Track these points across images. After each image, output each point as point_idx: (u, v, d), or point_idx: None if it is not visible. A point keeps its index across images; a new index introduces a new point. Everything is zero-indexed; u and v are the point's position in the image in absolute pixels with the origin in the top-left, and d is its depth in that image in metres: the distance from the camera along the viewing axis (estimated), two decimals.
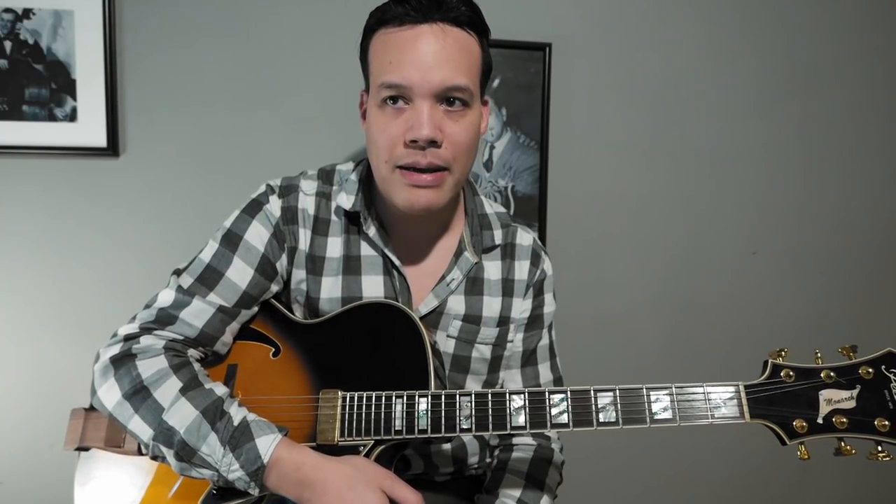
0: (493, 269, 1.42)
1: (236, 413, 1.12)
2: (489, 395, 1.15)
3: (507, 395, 1.15)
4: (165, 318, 1.21)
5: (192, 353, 1.24)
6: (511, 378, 1.48)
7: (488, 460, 1.50)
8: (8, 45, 1.71)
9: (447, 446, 1.43)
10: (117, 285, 1.85)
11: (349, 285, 1.33)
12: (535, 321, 1.46)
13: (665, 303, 2.23)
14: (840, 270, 2.35)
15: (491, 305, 1.40)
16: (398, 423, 1.16)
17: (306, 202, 1.34)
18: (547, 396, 1.14)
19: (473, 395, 1.15)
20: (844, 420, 1.04)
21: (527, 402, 1.14)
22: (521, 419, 1.13)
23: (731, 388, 1.09)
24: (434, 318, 1.37)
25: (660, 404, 1.10)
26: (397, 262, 1.34)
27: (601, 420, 1.11)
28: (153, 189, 1.85)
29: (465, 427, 1.14)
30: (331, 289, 1.33)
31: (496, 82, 1.98)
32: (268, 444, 1.08)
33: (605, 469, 2.25)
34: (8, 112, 1.73)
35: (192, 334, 1.22)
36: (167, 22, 1.81)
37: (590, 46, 2.07)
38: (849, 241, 2.34)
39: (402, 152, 1.19)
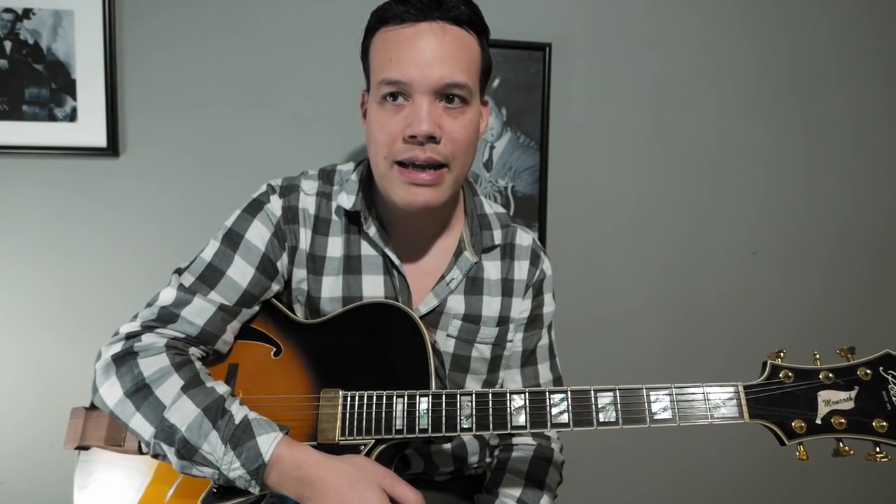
0: (492, 269, 1.42)
1: (237, 411, 1.12)
2: (490, 395, 1.15)
3: (508, 394, 1.15)
4: (167, 317, 1.21)
5: (194, 351, 1.24)
6: (511, 378, 1.48)
7: (488, 460, 1.51)
8: (8, 45, 1.72)
9: (447, 446, 1.43)
10: (117, 285, 1.85)
11: (349, 285, 1.34)
12: (534, 321, 1.47)
13: (665, 303, 2.23)
14: (840, 271, 2.35)
15: (490, 305, 1.40)
16: (399, 423, 1.16)
17: (307, 202, 1.35)
18: (547, 396, 1.14)
19: (474, 395, 1.15)
20: (843, 421, 1.04)
21: (527, 401, 1.14)
22: (521, 419, 1.14)
23: (731, 389, 1.09)
24: (434, 317, 1.37)
25: (659, 404, 1.10)
26: (397, 262, 1.34)
27: (601, 420, 1.11)
28: (153, 189, 1.85)
29: (465, 427, 1.14)
30: (331, 288, 1.34)
31: (496, 82, 1.98)
32: (269, 442, 1.09)
33: (604, 469, 2.25)
34: (8, 112, 1.73)
35: (193, 332, 1.22)
36: (167, 22, 1.81)
37: (590, 46, 2.07)
38: (849, 241, 2.34)
39: (401, 147, 1.20)
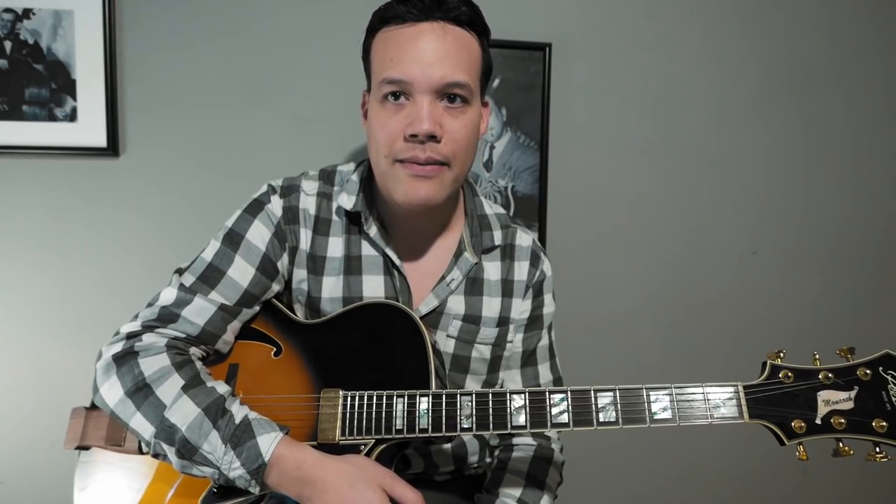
0: (492, 269, 1.42)
1: (238, 411, 1.12)
2: (490, 395, 1.15)
3: (508, 394, 1.15)
4: (167, 316, 1.22)
5: (194, 351, 1.24)
6: (511, 378, 1.48)
7: (488, 459, 1.51)
8: (8, 45, 1.72)
9: (447, 446, 1.43)
10: (117, 285, 1.85)
11: (350, 285, 1.34)
12: (534, 322, 1.47)
13: (665, 303, 2.24)
14: (840, 271, 2.35)
15: (490, 306, 1.40)
16: (399, 423, 1.16)
17: (307, 202, 1.35)
18: (547, 396, 1.14)
19: (474, 395, 1.16)
20: (842, 421, 1.04)
21: (527, 401, 1.14)
22: (521, 419, 1.14)
23: (731, 389, 1.09)
24: (434, 317, 1.37)
25: (659, 404, 1.10)
26: (398, 262, 1.34)
27: (601, 420, 1.11)
28: (153, 189, 1.85)
29: (465, 426, 1.14)
30: (332, 288, 1.34)
31: (496, 82, 1.98)
32: (269, 442, 1.09)
33: (604, 469, 2.25)
34: (8, 112, 1.73)
35: (193, 332, 1.22)
36: (167, 22, 1.81)
37: (590, 46, 2.07)
38: (849, 241, 2.34)
39: (402, 146, 1.20)
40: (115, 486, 1.24)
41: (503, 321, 1.42)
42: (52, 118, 1.75)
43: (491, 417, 1.14)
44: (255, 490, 1.10)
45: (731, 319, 2.29)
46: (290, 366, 1.27)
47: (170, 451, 1.10)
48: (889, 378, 1.05)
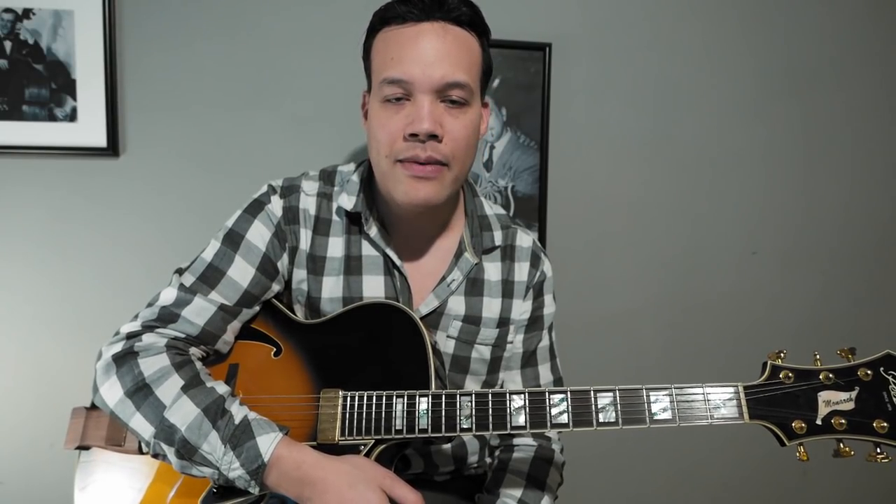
0: (493, 270, 1.42)
1: (237, 412, 1.12)
2: (489, 395, 1.15)
3: (508, 395, 1.15)
4: (167, 316, 1.22)
5: (194, 351, 1.24)
6: (511, 379, 1.48)
7: (488, 459, 1.51)
8: (8, 45, 1.72)
9: (447, 446, 1.43)
10: (117, 285, 1.85)
11: (350, 285, 1.34)
12: (535, 322, 1.47)
13: (665, 303, 2.23)
14: (840, 271, 2.35)
15: (491, 306, 1.40)
16: (399, 423, 1.16)
17: (307, 202, 1.35)
18: (547, 397, 1.14)
19: (474, 395, 1.15)
20: (843, 421, 1.04)
21: (527, 402, 1.14)
22: (521, 419, 1.14)
23: (731, 389, 1.09)
24: (434, 318, 1.37)
25: (659, 405, 1.10)
26: (398, 262, 1.34)
27: (601, 420, 1.11)
28: (153, 189, 1.85)
29: (465, 427, 1.14)
30: (332, 289, 1.34)
31: (496, 82, 1.98)
32: (268, 442, 1.09)
33: (604, 469, 2.25)
34: (8, 112, 1.73)
35: (193, 332, 1.22)
36: (167, 22, 1.81)
37: (590, 46, 2.07)
38: (849, 241, 2.34)
39: (403, 146, 1.20)
40: (115, 486, 1.24)
41: (503, 322, 1.42)
42: (52, 118, 1.75)
43: (490, 418, 1.14)
44: (255, 490, 1.10)
45: (731, 319, 2.29)
46: (289, 366, 1.27)
47: (169, 452, 1.10)
48: (890, 378, 1.05)
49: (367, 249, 1.35)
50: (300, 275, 1.34)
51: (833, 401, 1.05)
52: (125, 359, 1.16)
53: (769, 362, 1.11)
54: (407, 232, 1.37)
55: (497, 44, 1.88)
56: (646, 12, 2.10)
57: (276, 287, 1.33)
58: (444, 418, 1.15)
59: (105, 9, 1.74)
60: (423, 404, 1.16)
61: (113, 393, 1.14)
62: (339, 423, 1.18)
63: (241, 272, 1.27)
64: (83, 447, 1.27)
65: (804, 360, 1.11)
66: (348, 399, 1.19)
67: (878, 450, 1.04)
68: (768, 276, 2.30)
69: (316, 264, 1.34)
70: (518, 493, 1.36)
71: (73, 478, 1.26)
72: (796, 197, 2.28)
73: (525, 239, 1.47)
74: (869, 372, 1.06)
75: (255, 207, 1.33)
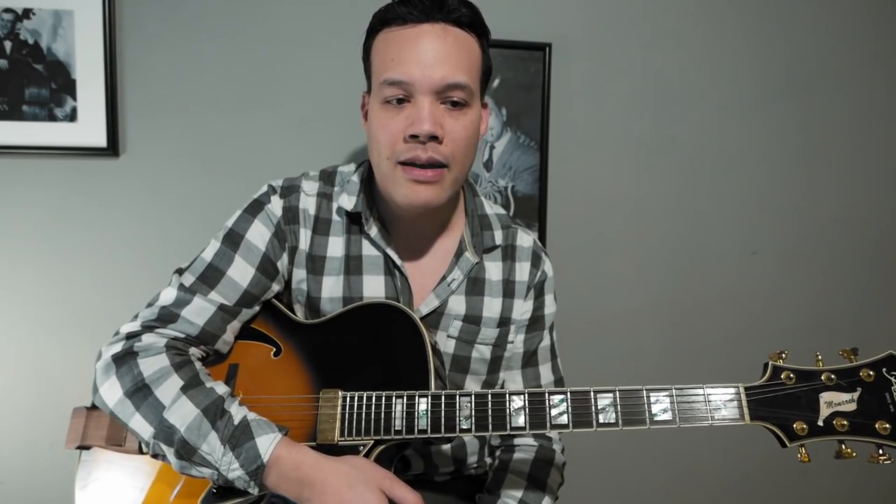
0: (494, 269, 1.42)
1: (237, 412, 1.12)
2: (489, 396, 1.15)
3: (507, 395, 1.15)
4: (167, 317, 1.22)
5: (194, 351, 1.24)
6: (512, 379, 1.48)
7: (487, 459, 1.51)
8: (8, 45, 1.71)
9: (447, 446, 1.43)
10: (117, 285, 1.85)
11: (350, 285, 1.34)
12: (535, 322, 1.47)
13: (665, 303, 2.23)
14: (840, 271, 2.35)
15: (491, 306, 1.40)
16: (398, 424, 1.16)
17: (307, 202, 1.35)
18: (547, 397, 1.14)
19: (473, 396, 1.15)
20: (845, 423, 1.04)
21: (526, 402, 1.14)
22: (520, 420, 1.13)
23: (732, 390, 1.09)
24: (435, 318, 1.37)
25: (660, 406, 1.10)
26: (399, 262, 1.34)
27: (601, 421, 1.11)
28: (153, 189, 1.85)
29: (464, 427, 1.14)
30: (332, 288, 1.34)
31: (496, 82, 1.98)
32: (268, 443, 1.09)
33: (604, 470, 2.25)
34: (8, 112, 1.73)
35: (193, 332, 1.22)
36: (167, 22, 1.81)
37: (590, 46, 2.07)
38: (849, 241, 2.34)
39: (403, 147, 1.21)
40: (118, 485, 1.25)
41: (504, 322, 1.42)
42: (52, 118, 1.74)
43: (490, 418, 1.14)
44: (254, 491, 1.10)
45: (731, 319, 2.29)
46: (289, 366, 1.27)
47: (169, 452, 1.10)
48: (892, 380, 1.05)
49: (367, 249, 1.35)
50: (300, 275, 1.34)
51: (835, 402, 1.05)
52: (125, 359, 1.16)
53: (770, 363, 1.10)
54: (407, 232, 1.37)
55: (497, 44, 1.88)
56: (646, 12, 2.10)
57: (275, 287, 1.33)
58: (443, 419, 1.15)
59: (105, 9, 1.74)
60: (423, 405, 1.16)
61: (112, 393, 1.14)
62: (338, 424, 1.18)
63: (241, 272, 1.27)
64: (84, 447, 1.27)
65: (804, 360, 1.10)
66: (348, 399, 1.19)
67: (881, 451, 1.04)
68: (768, 276, 2.29)
69: (315, 264, 1.34)
70: (519, 493, 1.36)
71: (74, 477, 1.26)
72: (796, 197, 2.28)
73: (526, 239, 1.47)
74: (871, 373, 1.05)
75: (255, 207, 1.33)
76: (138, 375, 1.14)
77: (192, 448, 1.08)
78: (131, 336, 1.19)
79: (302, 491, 1.08)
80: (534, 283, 1.45)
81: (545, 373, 1.49)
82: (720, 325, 2.28)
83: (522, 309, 1.44)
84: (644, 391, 1.11)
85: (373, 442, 1.17)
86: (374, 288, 1.34)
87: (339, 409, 1.19)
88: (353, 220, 1.36)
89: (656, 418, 1.09)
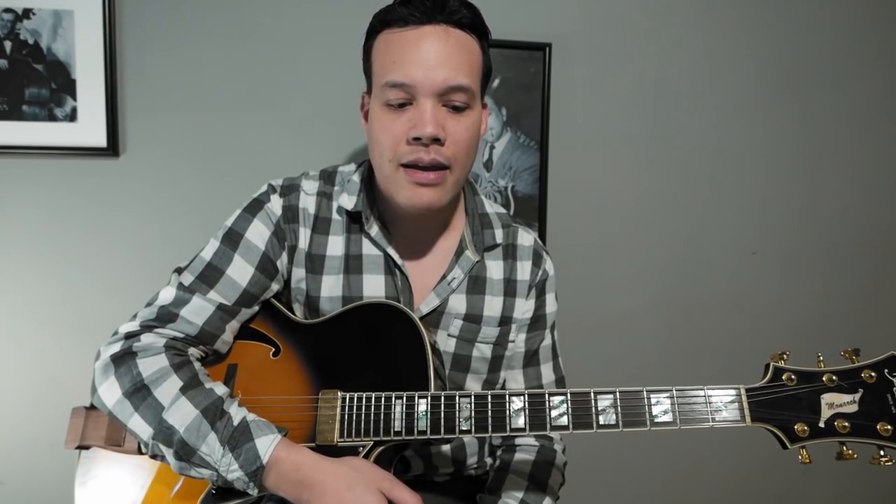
0: (495, 268, 1.42)
1: (236, 413, 1.12)
2: (489, 397, 1.15)
3: (507, 396, 1.14)
4: (166, 316, 1.21)
5: (193, 351, 1.24)
6: (513, 378, 1.48)
7: (488, 460, 1.51)
8: (8, 45, 1.71)
9: (446, 447, 1.43)
10: (117, 285, 1.85)
11: (350, 284, 1.34)
12: (537, 322, 1.47)
13: (665, 303, 2.23)
14: (840, 271, 2.34)
15: (492, 305, 1.40)
16: (398, 424, 1.16)
17: (307, 201, 1.35)
18: (547, 398, 1.13)
19: (473, 397, 1.15)
20: (846, 424, 1.03)
21: (526, 403, 1.14)
22: (520, 421, 1.13)
23: (733, 392, 1.08)
24: (435, 317, 1.37)
25: (660, 407, 1.09)
26: (399, 261, 1.34)
27: (601, 422, 1.11)
28: (153, 189, 1.84)
29: (464, 429, 1.14)
30: (331, 288, 1.34)
31: (496, 82, 1.98)
32: (267, 444, 1.08)
33: (605, 470, 2.25)
34: (8, 112, 1.72)
35: (192, 332, 1.22)
36: (167, 22, 1.81)
37: (590, 46, 2.07)
38: (849, 241, 2.34)
39: (406, 150, 1.20)
40: (118, 482, 1.25)
41: (505, 321, 1.42)
42: (52, 118, 1.74)
43: (490, 420, 1.14)
44: (254, 492, 1.10)
45: (731, 319, 2.29)
46: (288, 366, 1.27)
47: (168, 453, 1.10)
48: (894, 380, 1.04)
49: (367, 248, 1.35)
50: (299, 274, 1.34)
51: (836, 403, 1.05)
52: (123, 359, 1.16)
53: (771, 364, 1.10)
54: (408, 231, 1.37)
55: (497, 44, 1.87)
56: (646, 12, 2.10)
57: (275, 286, 1.33)
58: (443, 420, 1.15)
59: (105, 9, 1.74)
60: (423, 406, 1.16)
61: (111, 393, 1.14)
62: (337, 425, 1.17)
63: (241, 271, 1.27)
64: (83, 447, 1.27)
65: (804, 360, 1.10)
66: (347, 400, 1.19)
67: (882, 453, 1.03)
68: (768, 276, 2.29)
69: (315, 263, 1.34)
70: (520, 494, 1.36)
71: (74, 476, 1.26)
72: (796, 197, 2.28)
73: (526, 237, 1.47)
74: (873, 374, 1.05)
75: (255, 206, 1.33)
76: (137, 376, 1.13)
77: (192, 449, 1.08)
78: (130, 336, 1.19)
79: (301, 492, 1.08)
80: (535, 282, 1.45)
81: (546, 372, 1.49)
82: (720, 325, 2.28)
83: (524, 308, 1.44)
84: (645, 392, 1.10)
85: (372, 443, 1.16)
86: (374, 287, 1.34)
87: (338, 409, 1.18)
88: (354, 220, 1.36)
89: (657, 420, 1.09)
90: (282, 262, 1.32)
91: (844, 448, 1.05)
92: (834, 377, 1.06)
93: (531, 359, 1.48)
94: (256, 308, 1.32)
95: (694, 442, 2.28)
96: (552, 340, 1.51)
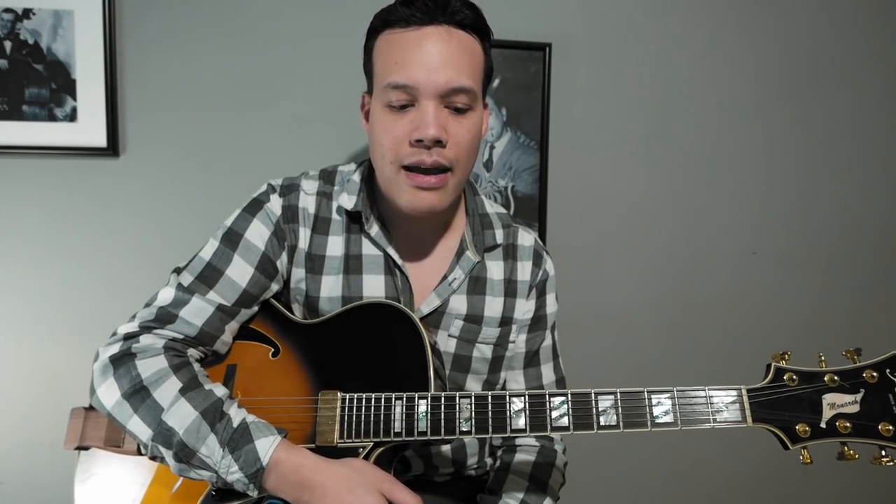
0: (495, 268, 1.42)
1: (236, 414, 1.12)
2: (489, 398, 1.15)
3: (508, 397, 1.14)
4: (165, 317, 1.21)
5: (192, 352, 1.24)
6: (514, 378, 1.48)
7: (488, 460, 1.51)
8: (8, 45, 1.71)
9: (447, 447, 1.43)
10: (117, 285, 1.84)
11: (350, 284, 1.33)
12: (537, 322, 1.46)
13: (665, 303, 2.23)
14: (841, 270, 2.34)
15: (493, 305, 1.40)
16: (397, 425, 1.15)
17: (307, 201, 1.35)
18: (547, 399, 1.13)
19: (473, 398, 1.15)
20: (848, 424, 1.03)
21: (527, 404, 1.13)
22: (521, 422, 1.13)
23: (734, 392, 1.08)
24: (436, 317, 1.37)
25: (661, 408, 1.09)
26: (399, 262, 1.34)
27: (602, 423, 1.11)
28: (153, 189, 1.84)
29: (464, 429, 1.14)
30: (331, 288, 1.33)
31: (496, 82, 1.98)
32: (267, 446, 1.08)
33: (605, 470, 2.25)
34: (8, 112, 1.72)
35: (191, 333, 1.22)
36: (167, 22, 1.81)
37: (590, 46, 2.07)
38: (849, 241, 2.34)
39: (408, 151, 1.20)
40: (115, 482, 1.25)
41: (506, 321, 1.41)
42: (52, 118, 1.74)
43: (490, 421, 1.14)
44: (254, 493, 1.10)
45: (731, 319, 2.29)
46: (287, 366, 1.27)
47: (167, 455, 1.10)
48: None
49: (367, 248, 1.35)
50: (299, 274, 1.34)
51: (838, 403, 1.04)
52: (122, 360, 1.15)
53: (773, 364, 1.09)
54: (408, 231, 1.37)
55: (497, 44, 1.87)
56: (646, 12, 2.09)
57: (274, 287, 1.33)
58: (443, 421, 1.15)
59: (105, 9, 1.73)
60: (423, 406, 1.16)
61: (110, 395, 1.14)
62: (337, 426, 1.17)
63: (240, 272, 1.27)
64: (82, 447, 1.27)
65: (803, 360, 1.10)
66: (347, 401, 1.18)
67: (884, 453, 1.03)
68: (768, 276, 2.29)
69: (314, 263, 1.34)
70: (520, 494, 1.36)
71: (73, 476, 1.26)
72: (796, 197, 2.28)
73: (527, 238, 1.47)
74: (875, 374, 1.05)
75: (255, 206, 1.32)
76: (136, 377, 1.13)
77: (191, 451, 1.08)
78: (129, 337, 1.19)
79: (301, 494, 1.08)
80: (535, 283, 1.45)
81: (547, 373, 1.49)
82: (720, 325, 2.28)
83: (524, 308, 1.44)
84: (645, 393, 1.10)
85: (372, 444, 1.16)
86: (374, 287, 1.34)
87: (338, 410, 1.18)
88: (353, 220, 1.35)
89: (658, 420, 1.09)
90: (281, 262, 1.32)
91: (846, 448, 1.04)
92: (835, 377, 1.06)
93: (532, 359, 1.47)
94: (256, 308, 1.31)
95: (694, 442, 2.27)
96: (553, 341, 1.51)
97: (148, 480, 1.24)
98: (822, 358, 1.09)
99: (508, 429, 1.13)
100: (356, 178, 1.37)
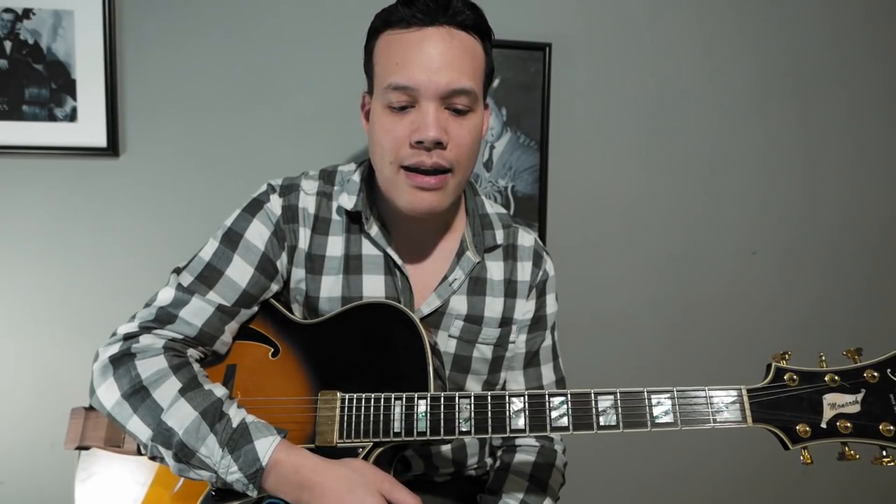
0: (495, 269, 1.41)
1: (235, 415, 1.12)
2: (489, 398, 1.15)
3: (507, 397, 1.14)
4: (165, 317, 1.21)
5: (192, 352, 1.24)
6: (514, 379, 1.48)
7: (488, 460, 1.51)
8: (8, 45, 1.71)
9: (447, 447, 1.43)
10: (117, 285, 1.84)
11: (350, 284, 1.33)
12: (537, 322, 1.46)
13: (665, 303, 2.23)
14: (841, 270, 2.34)
15: (493, 306, 1.40)
16: (397, 425, 1.15)
17: (307, 201, 1.35)
18: (547, 399, 1.13)
19: (473, 398, 1.15)
20: (849, 425, 1.03)
21: (526, 404, 1.13)
22: (520, 422, 1.13)
23: (734, 392, 1.08)
24: (436, 318, 1.36)
25: (661, 408, 1.09)
26: (399, 262, 1.33)
27: (601, 423, 1.10)
28: (153, 189, 1.84)
29: (464, 430, 1.14)
30: (331, 288, 1.33)
31: (496, 82, 1.98)
32: (266, 446, 1.08)
33: (605, 470, 2.25)
34: (8, 112, 1.72)
35: (191, 333, 1.22)
36: (167, 22, 1.81)
37: (590, 46, 2.07)
38: (849, 241, 2.34)
39: (408, 153, 1.20)
40: (115, 482, 1.24)
41: (506, 321, 1.41)
42: (52, 118, 1.74)
43: (490, 421, 1.14)
44: (253, 494, 1.10)
45: (731, 319, 2.28)
46: (287, 366, 1.26)
47: (167, 455, 1.10)
48: None
49: (367, 248, 1.35)
50: (298, 274, 1.34)
51: (838, 403, 1.04)
52: (122, 360, 1.15)
53: (773, 364, 1.09)
54: (408, 231, 1.37)
55: (497, 44, 1.85)
56: (646, 12, 2.09)
57: (274, 287, 1.33)
58: (442, 421, 1.14)
59: (105, 9, 1.73)
60: (422, 407, 1.16)
61: (110, 395, 1.14)
62: (337, 426, 1.17)
63: (240, 272, 1.26)
64: (83, 447, 1.27)
65: (803, 360, 1.10)
66: (346, 401, 1.18)
67: (884, 453, 1.03)
68: (768, 276, 2.29)
69: (314, 263, 1.34)
70: (520, 494, 1.36)
71: (73, 476, 1.26)
72: (796, 197, 2.28)
73: (527, 238, 1.47)
74: (875, 374, 1.04)
75: (255, 206, 1.32)
76: (136, 377, 1.13)
77: (191, 451, 1.08)
78: (129, 337, 1.19)
79: (301, 494, 1.08)
80: (535, 283, 1.45)
81: (547, 373, 1.49)
82: (720, 325, 2.28)
83: (524, 309, 1.44)
84: (645, 393, 1.10)
85: (372, 444, 1.16)
86: (373, 288, 1.34)
87: (337, 410, 1.18)
88: (353, 220, 1.35)
89: (657, 420, 1.09)
90: (281, 262, 1.32)
91: (846, 448, 1.04)
92: (836, 377, 1.06)
93: (532, 360, 1.47)
94: (255, 309, 1.31)
95: (694, 442, 2.27)
96: (552, 341, 1.51)
97: (149, 480, 1.24)
98: (823, 358, 1.09)
99: (508, 429, 1.13)
100: (356, 178, 1.37)
